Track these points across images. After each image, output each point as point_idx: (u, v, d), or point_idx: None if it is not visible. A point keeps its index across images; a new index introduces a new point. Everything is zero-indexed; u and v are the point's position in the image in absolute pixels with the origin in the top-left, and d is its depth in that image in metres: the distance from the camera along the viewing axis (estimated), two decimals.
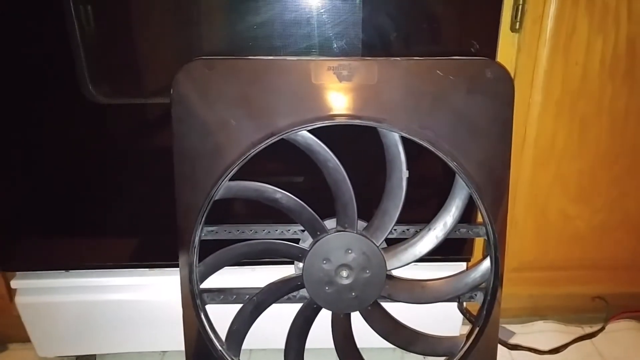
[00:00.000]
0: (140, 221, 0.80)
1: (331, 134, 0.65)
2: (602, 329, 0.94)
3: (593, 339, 0.97)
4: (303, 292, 0.71)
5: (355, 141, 0.72)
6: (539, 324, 1.01)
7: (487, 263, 0.68)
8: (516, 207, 0.86)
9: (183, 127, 0.65)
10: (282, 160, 0.74)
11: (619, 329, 1.00)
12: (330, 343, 0.72)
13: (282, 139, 0.64)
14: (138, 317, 0.86)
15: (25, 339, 0.90)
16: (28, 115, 0.73)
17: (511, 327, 1.01)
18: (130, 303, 0.85)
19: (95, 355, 0.95)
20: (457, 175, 0.66)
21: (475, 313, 0.75)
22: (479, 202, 0.65)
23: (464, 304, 0.76)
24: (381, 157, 0.66)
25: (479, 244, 0.85)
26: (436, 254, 0.75)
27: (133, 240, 0.82)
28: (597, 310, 0.99)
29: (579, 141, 0.82)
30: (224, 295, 0.71)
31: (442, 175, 0.75)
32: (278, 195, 0.65)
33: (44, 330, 0.87)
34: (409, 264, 0.71)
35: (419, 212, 0.73)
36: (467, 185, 0.65)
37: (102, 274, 0.84)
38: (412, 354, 0.95)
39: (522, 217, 0.87)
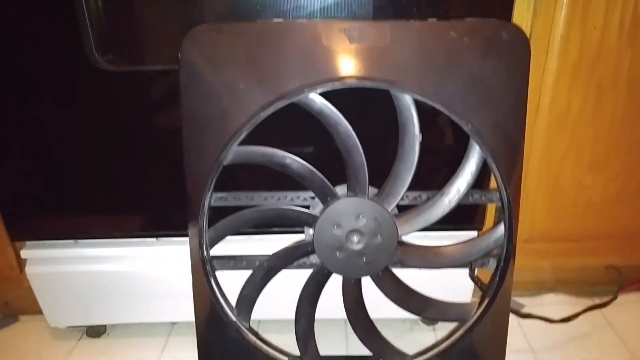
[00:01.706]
0: (150, 191, 0.80)
1: (342, 99, 0.64)
2: (615, 298, 0.93)
3: (604, 311, 0.97)
4: (314, 258, 0.70)
5: (367, 107, 0.70)
6: (550, 297, 1.01)
7: (500, 229, 0.67)
8: (528, 176, 0.85)
9: (191, 93, 0.64)
10: (291, 127, 0.72)
11: (630, 300, 0.99)
12: (340, 314, 0.72)
13: (292, 103, 0.63)
14: (148, 288, 0.86)
15: (36, 311, 0.91)
16: (33, 83, 0.72)
17: (521, 300, 1.00)
18: (141, 274, 0.85)
19: (105, 325, 0.96)
20: (471, 138, 0.64)
21: (486, 281, 0.75)
22: (493, 166, 0.64)
23: (476, 271, 0.75)
24: (393, 124, 0.65)
25: (490, 214, 0.84)
26: (448, 223, 0.74)
27: (142, 210, 0.82)
28: (608, 283, 0.98)
29: (594, 108, 0.80)
30: (234, 261, 0.71)
31: (455, 143, 0.74)
32: (288, 160, 0.64)
33: (55, 301, 0.87)
34: (421, 231, 0.70)
35: (432, 180, 0.72)
36: (481, 148, 0.63)
37: (112, 244, 0.84)
38: (421, 326, 0.96)
39: (534, 186, 0.86)
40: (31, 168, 0.78)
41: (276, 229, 0.79)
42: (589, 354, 0.88)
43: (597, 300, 0.96)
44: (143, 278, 0.85)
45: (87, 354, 0.91)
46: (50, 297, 0.87)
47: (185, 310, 0.76)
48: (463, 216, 0.79)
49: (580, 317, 0.91)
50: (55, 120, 0.75)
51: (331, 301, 0.72)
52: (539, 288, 1.02)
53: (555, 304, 0.98)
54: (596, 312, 0.96)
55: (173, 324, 0.97)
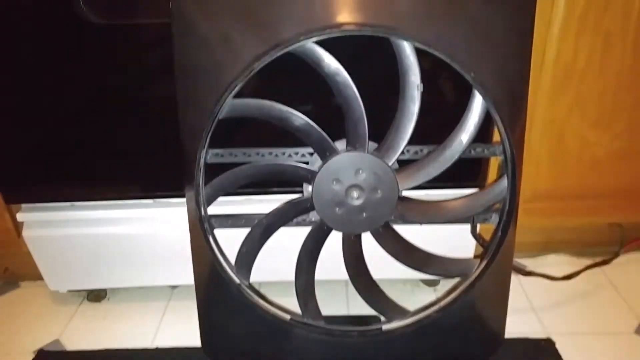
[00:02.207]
0: (146, 151, 0.78)
1: (340, 49, 0.62)
2: (617, 255, 0.92)
3: (605, 270, 0.96)
4: (313, 215, 0.69)
5: (367, 57, 0.68)
6: (551, 257, 1.00)
7: (503, 182, 0.66)
8: (532, 133, 0.83)
9: (184, 44, 0.61)
10: (288, 83, 0.71)
11: (632, 259, 0.99)
12: (340, 275, 0.71)
13: (289, 54, 0.60)
14: (147, 251, 0.86)
15: (36, 276, 0.90)
16: (21, 42, 0.70)
17: (522, 262, 1.00)
18: (139, 236, 0.84)
19: (105, 290, 0.95)
20: (473, 88, 0.62)
21: (488, 239, 0.74)
22: (495, 116, 0.62)
23: (478, 228, 0.74)
24: (394, 75, 0.63)
25: (492, 171, 0.82)
26: (449, 180, 0.73)
27: (138, 171, 0.80)
28: (611, 243, 0.97)
29: (601, 61, 0.77)
30: (232, 220, 0.70)
31: (457, 95, 0.72)
32: (285, 113, 0.63)
33: (54, 265, 0.87)
34: (422, 189, 0.69)
35: (433, 134, 0.70)
36: (484, 98, 0.62)
37: (109, 207, 0.83)
38: (422, 287, 0.95)
39: (537, 143, 0.84)
40: (24, 129, 0.76)
41: (275, 189, 0.78)
42: (590, 313, 0.88)
43: (599, 260, 0.95)
44: (142, 241, 0.85)
45: (88, 319, 0.91)
46: (49, 261, 0.86)
47: (185, 274, 0.75)
48: (465, 173, 0.77)
49: (582, 277, 0.91)
50: (47, 80, 0.73)
51: (331, 262, 0.71)
52: (541, 249, 1.02)
53: (557, 264, 0.98)
54: (597, 271, 0.96)
55: (173, 287, 0.97)
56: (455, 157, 0.65)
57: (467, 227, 0.77)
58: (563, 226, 0.98)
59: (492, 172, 0.82)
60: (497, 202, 0.68)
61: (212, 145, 0.66)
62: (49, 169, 0.79)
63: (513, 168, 0.64)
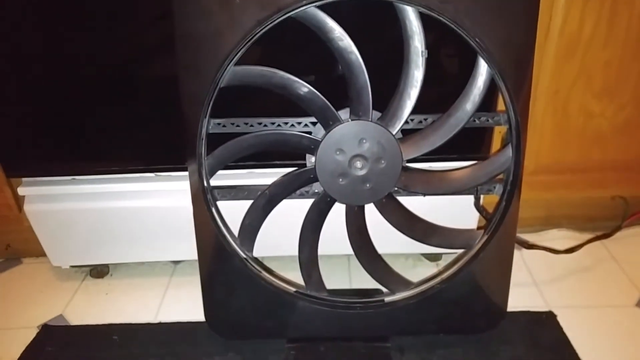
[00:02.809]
0: (147, 123, 0.77)
1: (344, 15, 0.61)
2: (619, 228, 0.92)
3: (607, 244, 0.96)
4: (316, 186, 0.69)
5: (370, 25, 0.67)
6: (553, 232, 1.00)
7: (507, 152, 0.65)
8: (535, 104, 0.82)
9: (183, 10, 0.60)
10: (290, 50, 0.70)
11: (633, 233, 0.99)
12: (342, 249, 0.71)
13: (291, 18, 0.59)
14: (149, 226, 0.85)
15: (39, 253, 0.90)
16: (20, 14, 0.69)
17: (524, 236, 1.00)
18: (141, 211, 0.84)
19: (108, 266, 0.96)
20: (478, 55, 0.61)
21: (491, 210, 0.73)
22: (500, 84, 0.61)
23: (481, 199, 0.74)
24: (398, 43, 0.62)
25: (496, 143, 0.82)
26: (452, 151, 0.73)
27: (140, 144, 0.79)
28: (613, 217, 0.97)
29: (607, 30, 0.76)
30: (235, 191, 0.69)
31: (462, 63, 0.71)
32: (287, 81, 0.62)
33: (56, 239, 0.87)
34: (425, 161, 0.68)
35: (437, 104, 0.69)
36: (489, 65, 0.61)
37: (110, 181, 0.82)
38: (424, 262, 0.96)
39: (540, 115, 0.83)
40: (25, 103, 0.75)
41: (277, 162, 0.78)
42: (591, 286, 0.88)
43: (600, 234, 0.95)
44: (144, 215, 0.84)
45: (91, 295, 0.91)
46: (51, 236, 0.86)
47: (188, 249, 0.75)
48: (469, 143, 0.77)
49: (583, 250, 0.91)
50: (48, 53, 0.72)
51: (333, 236, 0.71)
52: (543, 224, 1.01)
53: (559, 238, 0.98)
54: (599, 245, 0.96)
55: (176, 263, 0.97)
56: (460, 125, 0.65)
57: (470, 199, 0.76)
58: (565, 200, 0.98)
59: (496, 144, 0.81)
60: (501, 173, 0.67)
61: (214, 115, 0.65)
62: (50, 143, 0.79)
63: (518, 137, 0.63)
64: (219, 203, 0.70)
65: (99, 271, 0.95)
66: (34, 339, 0.80)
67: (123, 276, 0.95)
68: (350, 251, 0.72)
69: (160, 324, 0.82)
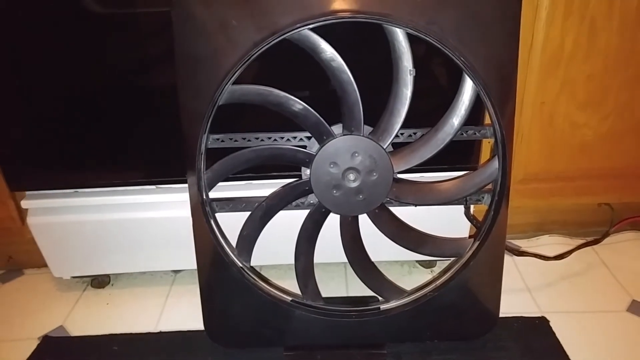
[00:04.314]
0: (148, 138, 0.80)
1: (336, 36, 0.63)
2: (607, 234, 0.95)
3: (597, 250, 0.99)
4: (311, 197, 0.71)
5: (360, 45, 0.70)
6: (544, 238, 1.03)
7: (494, 163, 0.68)
8: (522, 116, 0.85)
9: (183, 32, 0.63)
10: (285, 69, 0.72)
11: (622, 239, 1.01)
12: (338, 257, 0.74)
13: (286, 40, 0.62)
14: (150, 237, 0.88)
15: (40, 264, 0.92)
16: (27, 31, 0.71)
17: (516, 242, 1.02)
18: (142, 222, 0.86)
19: (109, 276, 0.97)
20: (464, 73, 0.64)
21: (481, 219, 0.76)
22: (485, 99, 0.64)
23: (471, 209, 0.77)
24: (387, 61, 0.65)
25: (485, 152, 0.84)
26: (442, 162, 0.76)
27: (141, 158, 0.82)
28: (602, 223, 1.00)
29: (588, 45, 0.80)
30: (233, 204, 0.72)
31: (449, 80, 0.74)
32: (283, 99, 0.64)
33: (58, 251, 0.89)
34: (416, 172, 0.71)
35: (426, 118, 0.72)
36: (473, 81, 0.64)
37: (112, 193, 0.84)
38: (419, 268, 0.98)
39: (527, 126, 0.87)
40: (28, 117, 0.78)
41: (274, 173, 0.80)
42: (583, 290, 0.90)
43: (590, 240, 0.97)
44: (145, 226, 0.86)
45: (92, 305, 0.93)
46: (53, 247, 0.88)
47: (187, 258, 0.77)
48: (458, 155, 0.80)
49: (574, 256, 0.93)
50: (51, 67, 0.74)
51: (330, 245, 0.73)
52: (534, 230, 1.04)
53: (549, 244, 1.01)
54: (590, 251, 0.98)
55: (176, 272, 0.99)
56: (448, 139, 0.67)
57: (460, 209, 0.79)
58: (556, 207, 1.00)
59: (485, 154, 0.84)
60: (489, 183, 0.70)
61: (213, 130, 0.68)
62: (52, 156, 0.81)
63: (503, 149, 0.66)
64: (218, 214, 0.72)
65: (100, 281, 0.97)
66: (35, 350, 0.81)
67: (124, 286, 0.97)
68: (347, 259, 0.75)
69: (160, 333, 0.84)
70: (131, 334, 0.84)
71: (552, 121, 0.86)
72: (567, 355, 0.76)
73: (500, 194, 0.69)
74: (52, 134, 0.79)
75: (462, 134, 0.69)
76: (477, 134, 0.70)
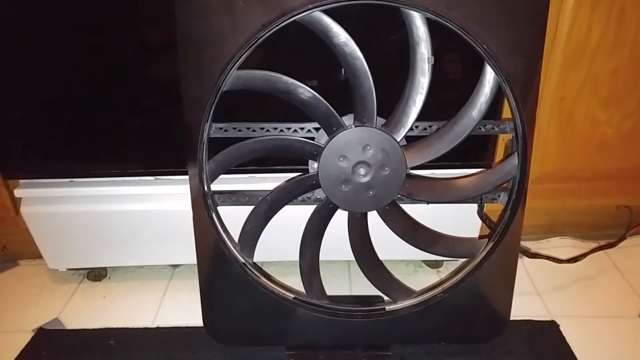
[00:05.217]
0: (147, 127, 0.76)
1: (349, 19, 0.59)
2: (623, 238, 0.91)
3: (610, 254, 0.95)
4: (318, 192, 0.68)
5: (376, 30, 0.66)
6: (555, 240, 0.99)
7: (513, 160, 0.64)
8: (540, 111, 0.81)
9: (186, 12, 0.59)
10: (294, 55, 0.69)
11: (638, 244, 0.98)
12: (343, 255, 0.70)
13: (295, 22, 0.58)
14: (148, 230, 0.84)
15: (35, 255, 0.89)
16: (19, 14, 0.67)
17: (526, 244, 0.99)
18: (140, 215, 0.83)
19: (106, 269, 0.94)
20: (485, 62, 0.60)
21: (494, 220, 0.72)
22: (507, 91, 0.60)
23: (484, 208, 0.73)
24: (404, 48, 0.61)
25: (500, 152, 0.81)
26: (457, 159, 0.72)
27: (139, 147, 0.78)
28: (617, 226, 0.96)
29: (615, 37, 0.75)
30: (235, 197, 0.68)
31: (469, 70, 0.70)
32: (291, 86, 0.60)
33: (53, 242, 0.85)
34: (429, 168, 0.68)
35: (443, 111, 0.68)
36: (495, 72, 0.60)
37: (109, 184, 0.81)
38: (425, 268, 0.95)
39: (545, 122, 0.82)
40: (23, 104, 0.74)
41: (279, 167, 0.77)
42: (594, 295, 0.87)
43: (604, 244, 0.94)
44: (143, 219, 0.83)
45: (88, 298, 0.90)
46: (47, 238, 0.85)
47: (187, 252, 0.74)
48: (473, 152, 0.76)
49: (586, 260, 0.90)
50: (47, 54, 0.70)
51: (334, 242, 0.70)
52: (545, 232, 1.01)
53: (561, 247, 0.97)
54: (602, 255, 0.95)
55: (175, 267, 0.96)
56: (466, 133, 0.64)
57: (471, 207, 0.76)
58: (568, 208, 0.97)
59: (500, 153, 0.80)
60: (506, 181, 0.66)
61: (216, 119, 0.64)
62: (47, 144, 0.77)
63: (524, 145, 0.62)
64: (220, 208, 0.69)
65: (97, 274, 0.94)
66: (29, 342, 0.79)
67: (121, 279, 0.94)
68: (351, 257, 0.71)
69: (158, 328, 0.81)
70: (128, 328, 0.81)
71: (572, 118, 0.81)
72: (575, 358, 0.73)
73: (519, 192, 0.65)
74: (47, 121, 0.75)
75: (481, 128, 0.66)
76: (496, 128, 0.66)
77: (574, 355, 0.74)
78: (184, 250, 0.78)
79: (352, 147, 0.63)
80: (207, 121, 0.62)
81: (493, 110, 0.68)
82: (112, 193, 0.81)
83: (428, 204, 0.68)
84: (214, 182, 0.67)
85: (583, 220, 0.99)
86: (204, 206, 0.66)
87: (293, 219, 0.68)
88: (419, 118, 0.64)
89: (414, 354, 0.74)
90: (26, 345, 0.78)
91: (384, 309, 0.71)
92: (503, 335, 0.74)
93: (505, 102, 0.66)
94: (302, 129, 0.67)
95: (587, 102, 0.81)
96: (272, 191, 0.66)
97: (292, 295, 0.71)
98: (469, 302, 0.71)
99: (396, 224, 0.67)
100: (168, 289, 0.91)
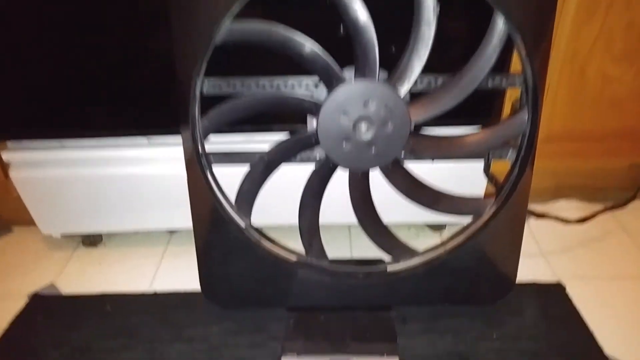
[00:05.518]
0: (139, 85, 0.72)
1: None
2: (633, 198, 0.89)
3: (618, 216, 0.94)
4: (318, 151, 0.65)
5: None
6: (561, 203, 0.97)
7: (523, 114, 0.61)
8: (550, 69, 0.76)
9: None
10: (289, 11, 0.64)
11: None
12: (343, 219, 0.68)
13: None
14: (144, 194, 0.82)
15: (29, 221, 0.87)
16: None
17: (531, 207, 0.96)
18: (134, 178, 0.80)
19: (101, 235, 0.92)
20: (495, 11, 0.56)
21: (500, 179, 0.70)
22: (518, 40, 0.57)
23: (491, 167, 0.70)
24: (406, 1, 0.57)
25: (507, 110, 0.77)
26: (462, 116, 0.69)
27: (131, 107, 0.75)
28: (625, 188, 0.94)
29: None
30: (231, 156, 0.65)
31: (475, 22, 0.66)
32: (288, 38, 0.57)
33: (45, 207, 0.83)
34: (432, 124, 0.64)
35: (448, 64, 0.64)
36: (505, 21, 0.56)
37: (102, 146, 0.78)
38: (427, 232, 0.93)
39: (556, 80, 0.79)
40: (10, 61, 0.70)
41: (276, 127, 0.73)
42: (599, 257, 0.85)
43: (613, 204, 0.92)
44: (138, 183, 0.81)
45: (84, 264, 0.88)
46: (39, 203, 0.82)
47: (184, 218, 0.71)
48: (479, 110, 0.72)
49: (593, 222, 0.88)
50: (36, 12, 0.66)
51: (334, 205, 0.67)
52: (551, 195, 0.98)
53: (567, 210, 0.95)
54: (609, 216, 0.93)
55: (172, 233, 0.94)
56: (473, 87, 0.60)
57: (476, 168, 0.73)
58: (575, 170, 0.94)
59: (507, 111, 0.77)
60: (514, 137, 0.63)
61: (209, 75, 0.61)
62: (35, 104, 0.74)
63: (535, 98, 0.59)
64: (216, 171, 0.66)
65: (92, 240, 0.92)
66: (24, 308, 0.77)
67: (117, 245, 0.92)
68: (352, 220, 0.69)
69: (155, 294, 0.80)
70: (124, 294, 0.79)
71: (583, 74, 0.78)
72: (584, 322, 0.72)
73: (528, 148, 0.62)
74: (35, 80, 0.71)
75: (489, 81, 0.62)
76: (504, 82, 0.63)
77: (581, 317, 0.72)
78: (182, 216, 0.75)
79: (353, 102, 0.60)
80: (200, 76, 0.59)
81: (501, 65, 0.64)
82: (104, 156, 0.78)
83: (433, 160, 0.65)
84: (209, 144, 0.64)
85: (590, 182, 0.96)
86: (198, 166, 0.63)
87: (291, 181, 0.66)
88: (424, 71, 0.60)
89: (416, 316, 0.73)
90: (21, 311, 0.77)
91: (386, 269, 0.69)
92: (508, 298, 0.73)
93: (514, 57, 0.62)
94: (301, 83, 0.63)
95: (600, 57, 0.77)
96: (269, 150, 0.63)
97: (293, 257, 0.69)
98: (474, 262, 0.69)
99: (399, 182, 0.64)
100: (165, 255, 0.89)
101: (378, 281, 0.69)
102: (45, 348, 0.70)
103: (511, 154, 0.65)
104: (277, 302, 0.72)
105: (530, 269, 0.82)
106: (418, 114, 0.61)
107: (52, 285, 0.83)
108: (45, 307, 0.77)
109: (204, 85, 0.61)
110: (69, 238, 0.92)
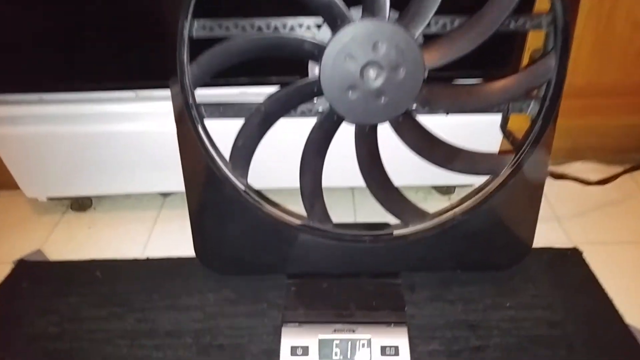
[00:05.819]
0: (124, 32, 0.65)
1: None
2: None
3: (636, 176, 0.88)
4: (320, 103, 0.59)
5: None
6: (577, 165, 0.93)
7: (550, 60, 0.55)
8: None
9: None
10: None
11: None
12: (346, 181, 0.62)
13: None
14: (135, 154, 0.76)
15: (15, 185, 0.81)
16: None
17: None
18: (124, 136, 0.74)
19: (90, 199, 0.87)
20: None
21: (519, 137, 0.64)
22: None
23: (508, 122, 0.64)
24: None
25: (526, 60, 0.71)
26: (477, 65, 0.62)
27: (117, 57, 0.68)
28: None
29: None
30: (224, 108, 0.59)
31: None
32: None
33: (28, 168, 0.78)
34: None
35: (465, 5, 0.57)
36: None
37: (86, 101, 0.72)
38: (435, 195, 0.88)
39: (579, 30, 0.72)
40: None
41: (274, 79, 0.67)
42: (615, 221, 0.81)
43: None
44: (127, 142, 0.75)
45: (72, 229, 0.84)
46: (21, 164, 0.77)
47: (177, 180, 0.65)
48: (496, 57, 0.66)
49: (610, 185, 0.83)
50: None
51: (337, 166, 0.62)
52: (566, 156, 0.93)
53: (584, 171, 0.90)
54: (627, 178, 0.88)
55: (165, 195, 0.89)
56: (494, 28, 0.53)
57: (491, 121, 0.67)
58: (593, 129, 0.88)
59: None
60: (539, 85, 0.57)
61: (199, 16, 0.54)
62: (13, 55, 0.67)
63: (564, 41, 0.53)
64: (207, 124, 0.60)
65: (81, 204, 0.87)
66: (9, 274, 0.73)
67: (107, 209, 0.87)
68: (355, 183, 0.63)
69: (148, 259, 0.75)
70: (115, 260, 0.75)
71: (611, 22, 0.71)
72: (602, 288, 0.68)
73: (554, 99, 0.56)
74: (12, 26, 0.64)
75: (511, 23, 0.55)
76: (528, 23, 0.56)
77: (598, 282, 0.68)
78: (176, 177, 0.70)
79: (360, 45, 0.53)
80: (188, 16, 0.52)
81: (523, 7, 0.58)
82: (89, 112, 0.72)
83: (447, 114, 0.59)
84: (200, 98, 0.57)
85: (608, 142, 0.91)
86: (189, 119, 0.57)
87: (290, 139, 0.60)
88: (439, 11, 0.53)
89: (425, 282, 0.69)
90: (6, 278, 0.73)
91: (392, 233, 0.64)
92: (522, 263, 0.69)
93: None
94: (301, 25, 0.56)
95: (629, 5, 0.70)
96: (265, 100, 0.57)
97: (293, 219, 0.64)
98: (489, 226, 0.64)
99: (411, 137, 0.58)
100: (158, 219, 0.85)
101: (385, 245, 0.64)
102: (31, 316, 0.66)
103: (532, 108, 0.59)
104: (277, 268, 0.67)
105: (545, 233, 0.77)
106: (432, 58, 0.54)
107: (39, 251, 0.78)
108: (31, 273, 0.73)
109: (192, 27, 0.55)
110: (56, 202, 0.87)
